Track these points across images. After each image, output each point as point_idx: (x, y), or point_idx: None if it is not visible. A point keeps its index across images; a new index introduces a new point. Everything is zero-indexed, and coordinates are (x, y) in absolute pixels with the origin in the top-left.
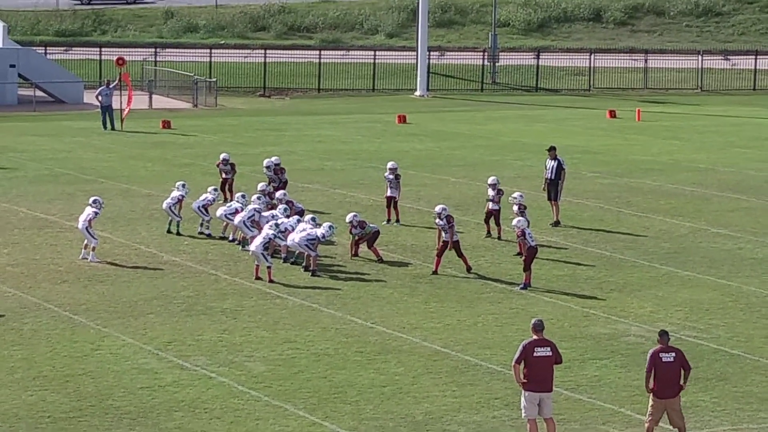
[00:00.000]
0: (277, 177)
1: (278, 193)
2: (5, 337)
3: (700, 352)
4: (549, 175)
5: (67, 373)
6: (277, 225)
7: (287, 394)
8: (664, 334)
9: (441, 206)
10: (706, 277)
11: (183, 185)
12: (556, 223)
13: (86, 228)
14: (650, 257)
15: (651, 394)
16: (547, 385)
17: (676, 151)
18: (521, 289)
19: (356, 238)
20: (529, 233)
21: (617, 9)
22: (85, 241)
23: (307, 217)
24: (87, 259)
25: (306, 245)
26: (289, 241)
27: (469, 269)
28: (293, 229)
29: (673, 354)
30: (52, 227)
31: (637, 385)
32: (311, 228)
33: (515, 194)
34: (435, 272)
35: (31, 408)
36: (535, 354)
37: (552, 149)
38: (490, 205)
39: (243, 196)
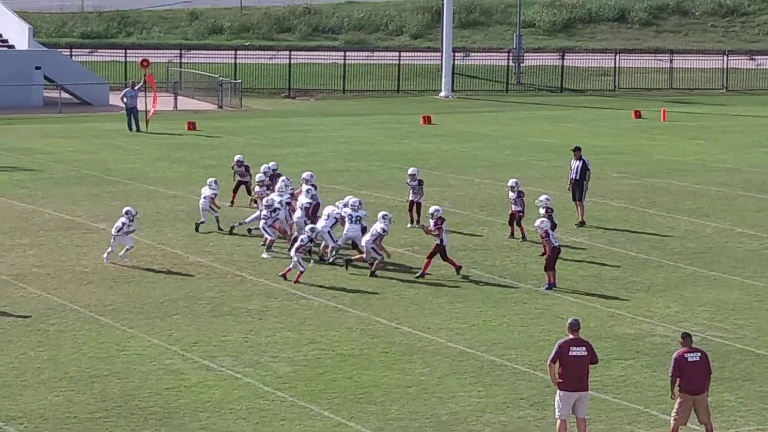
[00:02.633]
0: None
1: (305, 174)
2: (31, 337)
3: (726, 352)
4: (574, 175)
5: (93, 374)
6: (312, 229)
7: (313, 394)
8: (686, 336)
9: (434, 207)
10: (731, 277)
11: (215, 182)
12: (581, 224)
13: (117, 235)
14: (676, 257)
15: (679, 391)
16: (583, 384)
17: (702, 152)
18: (546, 289)
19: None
20: (552, 234)
21: (642, 9)
22: (126, 246)
23: (350, 198)
24: (125, 260)
25: (374, 247)
26: (363, 242)
27: (458, 269)
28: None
29: (699, 354)
30: (77, 228)
31: (663, 385)
32: (355, 221)
33: (542, 197)
34: (423, 275)
35: (57, 408)
36: (570, 353)
37: (577, 149)
38: (513, 207)
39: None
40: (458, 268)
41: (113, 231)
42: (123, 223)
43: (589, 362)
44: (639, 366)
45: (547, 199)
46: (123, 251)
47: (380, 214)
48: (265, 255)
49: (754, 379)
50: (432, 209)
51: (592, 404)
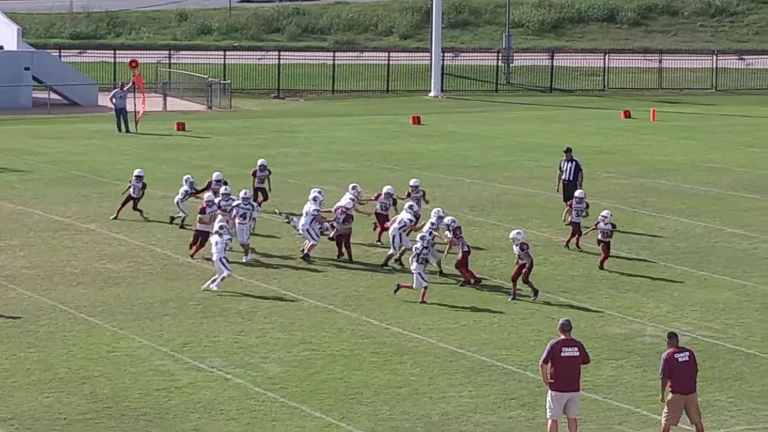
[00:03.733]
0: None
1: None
2: (21, 339)
3: (716, 352)
4: (566, 176)
5: (83, 375)
6: (423, 238)
7: (303, 395)
8: (673, 336)
9: (449, 218)
10: (721, 277)
11: (186, 180)
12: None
13: (219, 258)
14: (666, 257)
15: (670, 392)
16: (575, 385)
17: (691, 151)
18: (534, 297)
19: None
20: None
21: (631, 9)
22: (223, 273)
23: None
24: (212, 289)
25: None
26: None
27: (476, 281)
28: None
29: (687, 353)
30: (67, 229)
31: (653, 385)
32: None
33: (604, 212)
34: (477, 281)
35: (48, 410)
36: (562, 354)
37: (568, 150)
38: (574, 215)
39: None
40: (477, 281)
41: (217, 255)
42: (218, 242)
43: (581, 362)
44: (629, 366)
45: (610, 214)
46: (219, 278)
47: (406, 205)
48: (245, 259)
49: (745, 378)
50: (447, 220)
51: (583, 404)
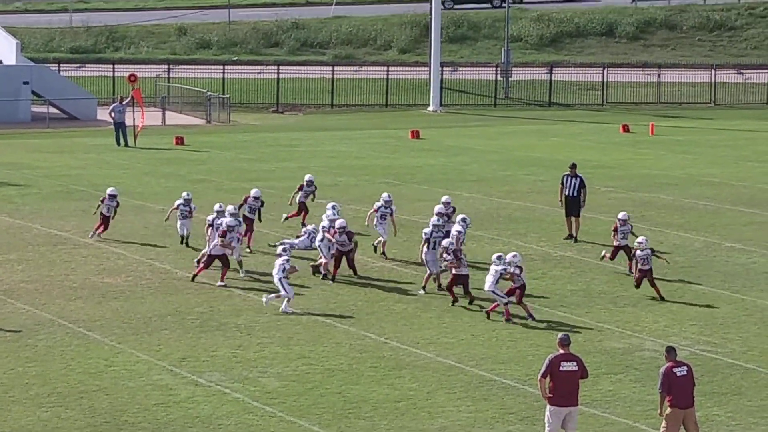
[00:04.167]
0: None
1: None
2: (20, 353)
3: (715, 366)
4: (570, 192)
5: (82, 390)
6: (500, 257)
7: (301, 409)
8: (671, 350)
9: (447, 241)
10: (720, 291)
11: (188, 199)
12: (570, 237)
13: (279, 279)
14: (664, 272)
15: (669, 406)
16: (573, 399)
17: (690, 166)
18: (529, 319)
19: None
20: (523, 271)
21: (630, 23)
22: (281, 293)
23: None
24: (287, 312)
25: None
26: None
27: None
28: None
29: (685, 367)
30: (65, 244)
31: (651, 400)
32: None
33: (641, 238)
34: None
35: (46, 425)
36: (561, 368)
37: (573, 166)
38: (620, 238)
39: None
40: (470, 300)
41: (277, 275)
42: (283, 264)
43: (580, 377)
44: (628, 381)
45: (646, 240)
46: (285, 303)
47: (459, 218)
48: (242, 274)
49: (743, 393)
50: (445, 242)
51: (581, 419)
